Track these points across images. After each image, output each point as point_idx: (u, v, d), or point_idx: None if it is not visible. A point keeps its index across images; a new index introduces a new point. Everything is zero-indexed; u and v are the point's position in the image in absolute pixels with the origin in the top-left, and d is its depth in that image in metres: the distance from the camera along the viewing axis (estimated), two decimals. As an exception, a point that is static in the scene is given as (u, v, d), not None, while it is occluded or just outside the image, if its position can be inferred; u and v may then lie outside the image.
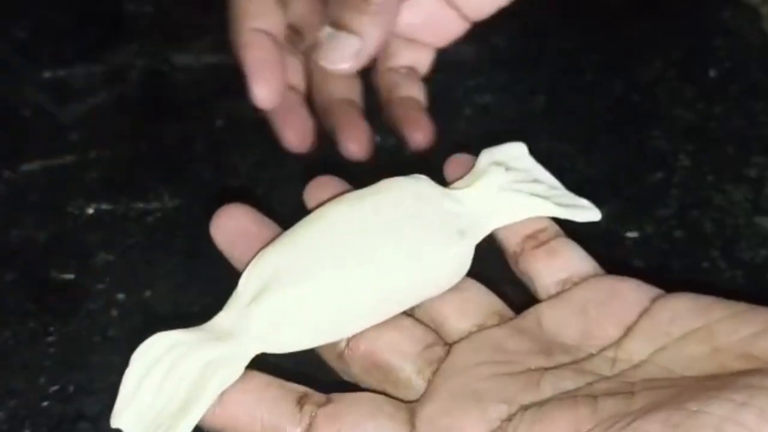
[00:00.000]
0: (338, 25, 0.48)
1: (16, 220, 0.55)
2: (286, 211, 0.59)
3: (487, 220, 0.42)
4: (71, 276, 0.55)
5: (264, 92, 0.49)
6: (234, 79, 0.67)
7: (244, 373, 0.38)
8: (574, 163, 0.59)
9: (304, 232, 0.40)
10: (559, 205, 0.43)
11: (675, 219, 0.56)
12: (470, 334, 0.40)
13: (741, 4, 0.68)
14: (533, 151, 0.53)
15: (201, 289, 0.54)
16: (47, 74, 0.69)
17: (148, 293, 0.54)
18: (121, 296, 0.54)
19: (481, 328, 0.40)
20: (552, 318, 0.40)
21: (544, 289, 0.42)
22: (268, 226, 0.43)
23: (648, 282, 0.53)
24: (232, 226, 0.42)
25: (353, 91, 0.53)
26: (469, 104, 0.64)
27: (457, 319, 0.41)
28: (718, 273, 0.53)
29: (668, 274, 0.53)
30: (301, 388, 0.39)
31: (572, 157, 0.60)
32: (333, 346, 0.40)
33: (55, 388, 0.50)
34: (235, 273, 0.51)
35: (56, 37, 0.72)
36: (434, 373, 0.38)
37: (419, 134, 0.51)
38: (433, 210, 0.40)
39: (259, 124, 0.64)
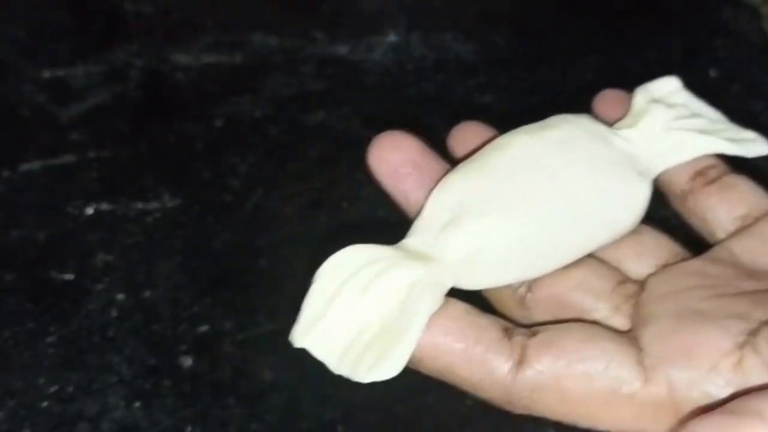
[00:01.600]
0: None
1: (15, 220, 0.55)
2: (286, 211, 0.59)
3: (656, 160, 0.40)
4: (71, 276, 0.55)
5: None
6: (234, 79, 0.67)
7: (445, 300, 0.34)
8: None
9: (489, 160, 0.37)
10: (727, 140, 0.41)
11: (675, 219, 0.56)
12: (657, 272, 0.37)
13: (741, 4, 0.68)
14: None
15: (201, 289, 0.54)
16: (47, 74, 0.69)
17: (147, 293, 0.54)
18: (120, 296, 0.54)
19: (665, 267, 0.37)
20: (745, 249, 0.37)
21: (722, 227, 0.39)
22: (436, 159, 0.39)
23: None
24: (396, 157, 0.39)
25: None
26: (469, 104, 0.64)
27: (636, 262, 0.38)
28: (719, 273, 0.53)
29: (668, 275, 0.53)
30: (502, 321, 0.35)
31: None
32: (511, 290, 0.36)
33: (54, 388, 0.50)
34: (235, 272, 0.52)
35: (56, 37, 0.72)
36: (634, 308, 0.35)
37: None
38: (609, 149, 0.38)
39: (259, 124, 0.64)
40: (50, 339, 0.52)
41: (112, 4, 0.74)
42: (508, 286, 0.36)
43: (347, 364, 0.33)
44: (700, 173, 0.41)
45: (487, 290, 0.36)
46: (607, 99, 0.42)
